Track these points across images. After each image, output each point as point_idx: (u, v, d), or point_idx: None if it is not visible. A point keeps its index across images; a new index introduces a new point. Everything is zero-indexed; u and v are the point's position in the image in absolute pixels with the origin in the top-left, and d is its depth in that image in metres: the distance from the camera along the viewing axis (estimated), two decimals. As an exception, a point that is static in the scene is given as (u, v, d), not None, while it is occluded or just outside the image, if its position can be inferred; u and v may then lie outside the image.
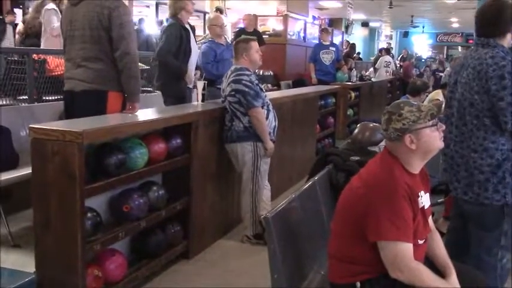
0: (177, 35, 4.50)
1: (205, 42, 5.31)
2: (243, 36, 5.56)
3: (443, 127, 2.04)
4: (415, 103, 2.04)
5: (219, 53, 5.04)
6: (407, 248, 1.89)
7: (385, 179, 1.95)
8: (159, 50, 4.55)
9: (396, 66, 14.26)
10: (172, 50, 4.49)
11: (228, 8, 11.44)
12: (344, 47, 13.74)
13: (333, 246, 2.10)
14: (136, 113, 3.32)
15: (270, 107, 3.86)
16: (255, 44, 3.89)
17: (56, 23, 6.11)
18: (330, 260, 2.11)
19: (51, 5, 6.10)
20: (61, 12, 5.95)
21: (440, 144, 2.02)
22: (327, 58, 8.69)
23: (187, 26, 4.73)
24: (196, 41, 5.04)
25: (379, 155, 2.13)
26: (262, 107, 3.74)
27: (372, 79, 10.78)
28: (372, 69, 12.86)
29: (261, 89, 3.83)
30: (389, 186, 1.92)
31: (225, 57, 5.04)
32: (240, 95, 3.66)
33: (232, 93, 3.69)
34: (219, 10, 8.00)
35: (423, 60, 13.94)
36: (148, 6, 13.20)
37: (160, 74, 4.67)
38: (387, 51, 14.20)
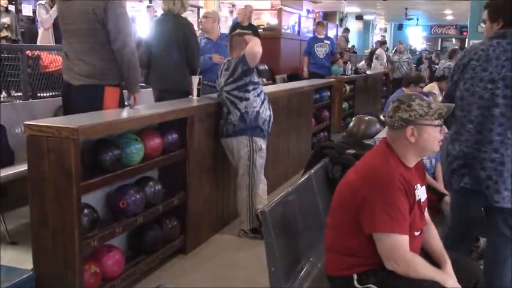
0: None
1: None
2: (238, 31, 5.54)
3: (446, 130, 2.05)
4: (427, 98, 2.05)
5: (201, 47, 5.02)
6: (403, 239, 1.90)
7: (380, 170, 1.96)
8: (196, 58, 4.36)
9: (390, 59, 14.23)
10: None
11: (222, 2, 11.41)
12: (338, 39, 13.71)
13: (329, 239, 2.11)
14: (135, 107, 3.32)
15: (266, 96, 3.85)
16: (249, 38, 3.88)
17: (44, 15, 6.22)
18: (327, 253, 2.12)
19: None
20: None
21: (436, 148, 2.03)
22: (321, 51, 8.69)
23: None
24: None
25: (375, 148, 2.14)
26: (259, 95, 3.74)
27: (367, 72, 10.78)
28: (362, 62, 12.81)
29: None
30: (385, 177, 1.93)
31: (207, 52, 4.99)
32: (236, 74, 3.64)
33: (229, 80, 3.68)
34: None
35: (418, 53, 13.88)
36: (141, 1, 13.12)
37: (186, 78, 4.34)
38: (381, 44, 14.19)
